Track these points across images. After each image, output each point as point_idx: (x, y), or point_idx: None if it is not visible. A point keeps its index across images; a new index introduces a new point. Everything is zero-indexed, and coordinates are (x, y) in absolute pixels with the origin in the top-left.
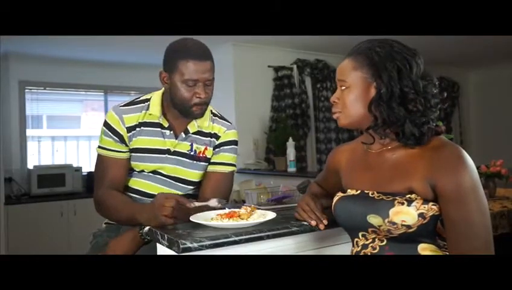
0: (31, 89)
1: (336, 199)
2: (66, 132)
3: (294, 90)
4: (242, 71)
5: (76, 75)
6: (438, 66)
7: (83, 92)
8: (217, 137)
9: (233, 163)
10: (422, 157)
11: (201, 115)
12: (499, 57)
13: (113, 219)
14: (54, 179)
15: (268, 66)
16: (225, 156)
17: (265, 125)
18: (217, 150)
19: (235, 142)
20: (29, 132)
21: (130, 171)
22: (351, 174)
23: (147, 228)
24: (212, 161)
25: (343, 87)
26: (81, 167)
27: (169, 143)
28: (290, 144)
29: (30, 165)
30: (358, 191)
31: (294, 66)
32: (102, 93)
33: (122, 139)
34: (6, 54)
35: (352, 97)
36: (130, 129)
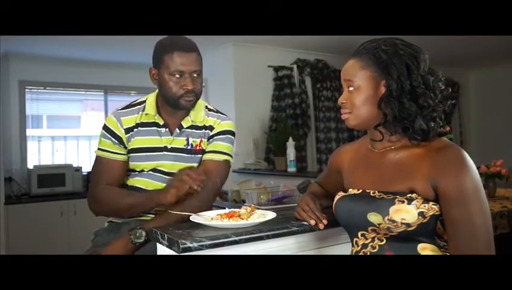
0: (31, 89)
1: (337, 198)
2: (66, 132)
3: (294, 90)
4: (242, 71)
5: (76, 75)
6: (438, 66)
7: (83, 92)
8: (212, 128)
9: (227, 152)
10: (425, 158)
11: (191, 106)
12: (499, 57)
13: (110, 211)
14: (54, 179)
15: (268, 66)
16: (218, 144)
17: (265, 125)
18: (210, 140)
19: (229, 132)
20: (29, 132)
21: (131, 172)
22: (353, 173)
23: (137, 231)
24: (206, 150)
25: (351, 88)
26: (81, 167)
27: (165, 140)
28: (290, 144)
29: (30, 165)
30: (360, 191)
31: (294, 66)
32: (102, 93)
33: (120, 141)
34: (6, 54)
35: (361, 97)
36: (128, 130)
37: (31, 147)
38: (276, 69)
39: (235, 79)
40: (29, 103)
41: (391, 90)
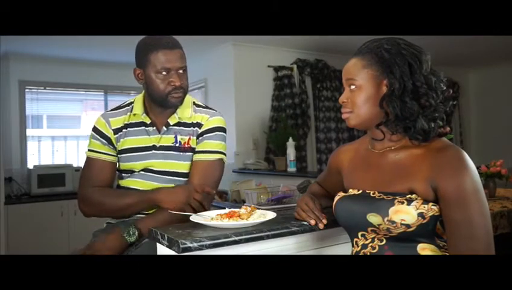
0: (31, 89)
1: (336, 198)
2: (66, 132)
3: (294, 90)
4: (242, 71)
5: (77, 75)
6: (438, 66)
7: (83, 92)
8: (200, 126)
9: (219, 150)
10: (424, 159)
11: (180, 103)
12: (499, 57)
13: (103, 211)
14: (54, 179)
15: (268, 66)
16: (208, 143)
17: (265, 125)
18: (200, 138)
19: (220, 129)
20: (29, 132)
21: (123, 174)
22: (353, 174)
23: (131, 229)
24: (196, 149)
25: (353, 86)
26: (81, 167)
27: (154, 139)
28: (290, 144)
29: (30, 165)
30: (360, 191)
31: (295, 66)
32: (102, 93)
33: (109, 141)
34: (6, 54)
35: (362, 96)
36: (116, 131)
37: (31, 147)
38: (276, 69)
39: (235, 79)
40: (29, 103)
41: (393, 90)
